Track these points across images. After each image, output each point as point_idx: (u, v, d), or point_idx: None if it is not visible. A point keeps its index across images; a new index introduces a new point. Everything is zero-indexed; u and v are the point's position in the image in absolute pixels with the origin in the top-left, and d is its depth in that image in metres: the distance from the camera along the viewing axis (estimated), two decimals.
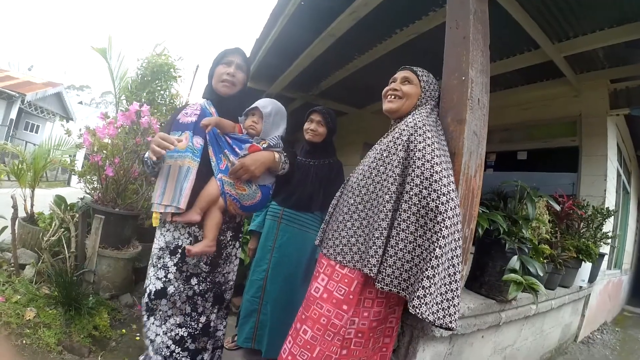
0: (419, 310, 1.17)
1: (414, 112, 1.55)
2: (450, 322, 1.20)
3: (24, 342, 1.93)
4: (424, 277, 1.20)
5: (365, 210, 1.46)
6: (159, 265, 1.67)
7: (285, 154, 1.79)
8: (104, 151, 2.74)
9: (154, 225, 1.69)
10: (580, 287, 3.35)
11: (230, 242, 1.79)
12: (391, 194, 1.35)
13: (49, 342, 1.97)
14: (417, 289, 1.20)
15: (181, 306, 1.66)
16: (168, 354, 1.64)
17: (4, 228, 2.56)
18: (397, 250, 1.28)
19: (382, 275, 1.29)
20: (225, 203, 1.64)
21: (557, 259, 2.64)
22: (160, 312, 1.65)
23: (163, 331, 1.65)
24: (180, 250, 1.65)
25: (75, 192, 3.60)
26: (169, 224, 1.67)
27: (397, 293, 1.29)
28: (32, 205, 3.01)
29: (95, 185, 2.97)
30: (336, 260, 1.49)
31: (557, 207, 2.62)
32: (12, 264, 2.50)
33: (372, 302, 1.44)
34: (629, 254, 6.52)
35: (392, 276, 1.28)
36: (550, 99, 4.26)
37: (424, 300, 1.18)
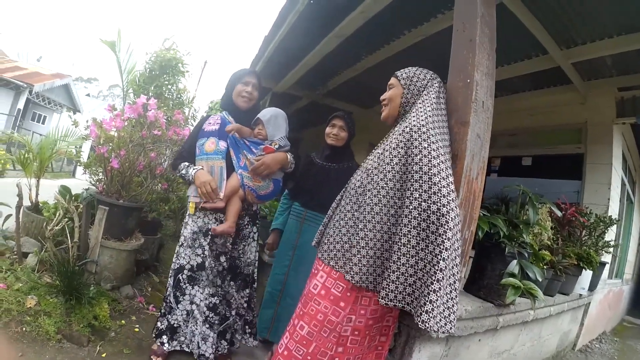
0: (428, 324, 1.18)
1: (413, 110, 1.51)
2: (451, 328, 1.22)
3: (24, 329, 1.94)
4: (431, 291, 1.19)
5: (359, 218, 1.47)
6: (196, 245, 2.08)
7: (292, 155, 2.19)
8: (110, 143, 2.75)
9: (191, 212, 2.09)
10: (580, 295, 3.34)
11: (247, 225, 2.20)
12: (381, 205, 1.36)
13: (49, 330, 1.99)
14: (425, 304, 1.20)
15: (213, 280, 2.08)
16: (204, 318, 2.05)
17: (9, 216, 2.58)
18: (400, 265, 1.27)
19: (386, 290, 1.29)
20: (244, 193, 2.06)
21: (557, 266, 2.63)
22: (202, 282, 2.07)
23: (203, 297, 2.06)
24: (210, 233, 2.05)
25: (80, 183, 3.62)
26: (198, 212, 2.08)
27: (402, 308, 1.28)
28: (37, 195, 3.03)
29: (100, 177, 2.99)
30: (329, 265, 1.51)
31: (559, 213, 2.62)
32: (15, 252, 2.52)
33: (370, 300, 1.44)
34: (631, 263, 6.47)
35: (396, 291, 1.28)
36: (557, 105, 4.25)
37: (432, 314, 1.18)
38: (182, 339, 2.07)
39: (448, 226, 1.22)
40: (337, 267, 1.47)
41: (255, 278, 2.31)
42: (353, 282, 1.36)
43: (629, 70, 3.54)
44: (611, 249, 3.48)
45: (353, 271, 1.36)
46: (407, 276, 1.27)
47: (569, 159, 4.23)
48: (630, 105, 3.82)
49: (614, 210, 3.90)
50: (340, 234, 1.52)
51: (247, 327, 2.29)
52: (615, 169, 3.93)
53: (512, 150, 4.81)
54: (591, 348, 4.13)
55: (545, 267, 2.34)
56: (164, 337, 2.06)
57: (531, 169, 4.64)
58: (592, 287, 3.54)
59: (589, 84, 3.89)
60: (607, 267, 4.06)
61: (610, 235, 3.58)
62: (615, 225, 3.57)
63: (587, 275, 3.18)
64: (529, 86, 4.28)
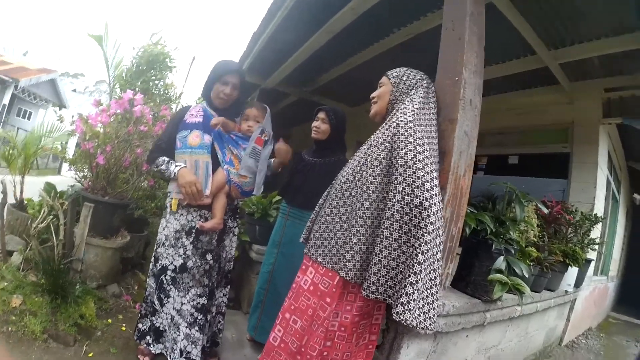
0: (403, 317, 1.20)
1: (399, 107, 1.54)
2: (430, 324, 1.24)
3: (10, 329, 1.91)
4: (407, 283, 1.22)
5: (347, 214, 1.49)
6: (179, 245, 1.98)
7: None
8: (96, 139, 2.71)
9: (173, 210, 1.99)
10: (567, 291, 3.38)
11: (228, 220, 2.14)
12: (371, 201, 1.37)
13: (35, 330, 1.95)
14: (400, 296, 1.22)
15: (200, 279, 1.99)
16: (192, 320, 1.96)
17: None
18: (381, 257, 1.29)
19: (368, 282, 1.31)
20: (229, 188, 2.02)
21: (543, 262, 2.67)
22: (183, 284, 1.97)
23: (187, 300, 1.97)
24: (194, 231, 1.98)
25: (66, 180, 3.56)
26: (181, 210, 1.99)
27: (384, 300, 1.30)
28: (21, 192, 2.97)
29: (86, 174, 2.94)
30: (317, 261, 1.53)
31: (545, 210, 2.65)
32: (0, 250, 2.48)
33: (355, 296, 1.46)
34: (615, 261, 6.59)
35: (378, 284, 1.30)
36: (544, 105, 4.30)
37: (408, 306, 1.20)
38: (167, 344, 1.99)
39: (429, 220, 1.24)
40: (328, 264, 1.48)
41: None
42: (347, 278, 1.37)
43: (616, 71, 3.59)
44: (596, 246, 3.54)
45: (347, 267, 1.37)
46: (389, 269, 1.29)
47: (555, 158, 4.28)
48: (616, 106, 3.87)
49: (599, 209, 3.96)
50: (327, 230, 1.54)
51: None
52: (601, 168, 3.99)
53: (499, 149, 4.86)
54: (577, 344, 4.20)
55: (531, 263, 2.37)
56: (148, 337, 2.02)
57: (518, 167, 4.69)
58: (578, 283, 3.59)
59: (576, 85, 3.94)
60: (593, 264, 4.12)
61: (596, 232, 3.64)
62: (600, 223, 3.63)
63: (572, 272, 3.23)
64: (517, 86, 4.32)
